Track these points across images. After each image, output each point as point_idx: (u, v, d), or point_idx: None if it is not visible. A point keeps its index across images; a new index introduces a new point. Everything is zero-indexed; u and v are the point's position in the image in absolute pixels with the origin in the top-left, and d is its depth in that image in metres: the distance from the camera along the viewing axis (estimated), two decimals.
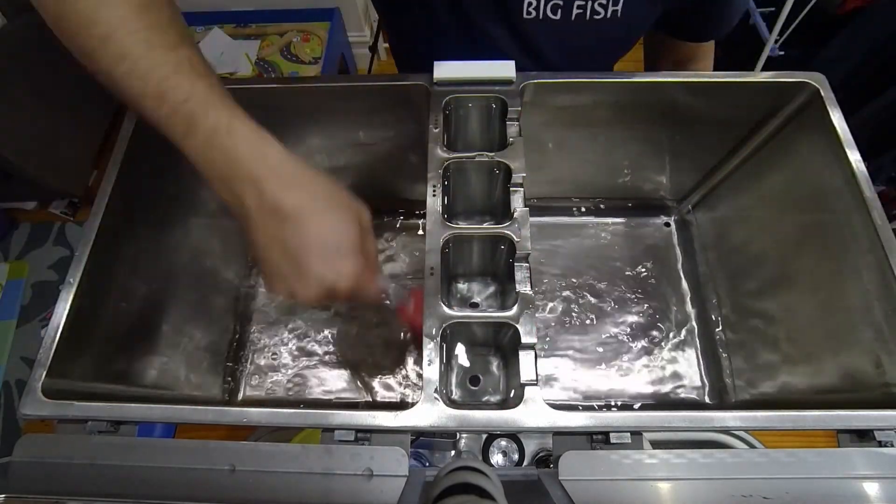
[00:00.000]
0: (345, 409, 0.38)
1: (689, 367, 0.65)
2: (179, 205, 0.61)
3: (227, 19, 1.49)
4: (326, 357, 0.68)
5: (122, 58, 0.29)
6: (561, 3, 0.49)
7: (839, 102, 0.50)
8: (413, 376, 0.66)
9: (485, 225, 0.49)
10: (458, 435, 0.61)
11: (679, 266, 0.72)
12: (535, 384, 0.39)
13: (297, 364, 0.68)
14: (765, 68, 1.26)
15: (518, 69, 0.53)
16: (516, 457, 0.59)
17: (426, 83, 0.54)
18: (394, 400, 0.65)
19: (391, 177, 0.71)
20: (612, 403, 0.63)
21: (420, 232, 0.76)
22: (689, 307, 0.69)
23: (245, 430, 0.65)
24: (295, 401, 0.66)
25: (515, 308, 0.43)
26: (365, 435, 0.38)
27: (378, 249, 0.74)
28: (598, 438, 0.38)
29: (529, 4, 0.49)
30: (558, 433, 0.38)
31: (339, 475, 0.35)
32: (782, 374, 0.55)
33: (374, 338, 0.69)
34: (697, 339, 0.67)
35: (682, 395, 0.64)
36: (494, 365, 0.62)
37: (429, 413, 0.38)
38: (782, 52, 1.23)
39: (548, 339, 0.67)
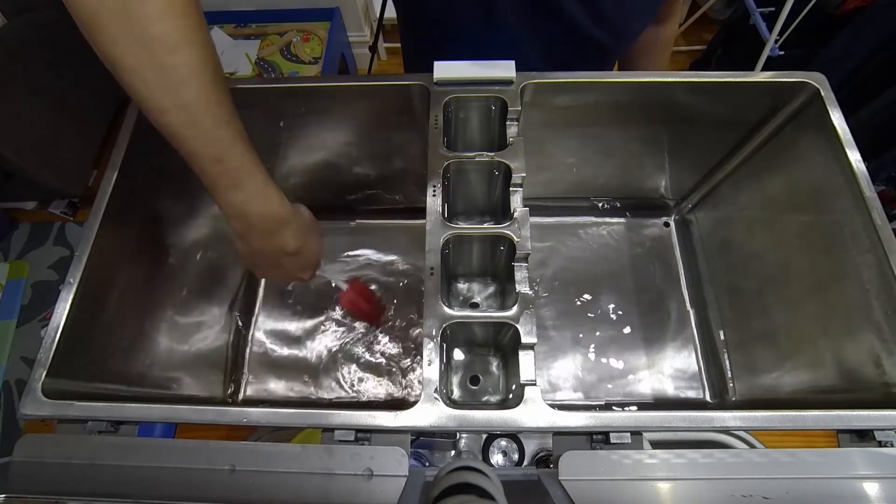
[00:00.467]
0: (345, 409, 0.38)
1: (689, 367, 0.65)
2: (179, 205, 0.61)
3: (227, 19, 1.49)
4: (327, 357, 0.68)
5: (192, 125, 0.36)
6: None
7: (839, 102, 0.50)
8: (413, 376, 0.67)
9: (485, 225, 0.49)
10: (458, 435, 0.61)
11: (679, 266, 0.72)
12: (535, 384, 0.39)
13: (297, 364, 0.68)
14: (765, 68, 1.25)
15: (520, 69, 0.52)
16: (516, 457, 0.59)
17: (426, 83, 0.54)
18: (394, 399, 0.65)
19: (391, 176, 0.71)
20: (612, 403, 0.63)
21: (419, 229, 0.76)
22: (689, 307, 0.69)
23: (245, 430, 0.65)
24: (295, 401, 0.66)
25: (515, 308, 0.43)
26: (365, 435, 0.38)
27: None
28: (598, 438, 0.38)
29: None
30: (558, 433, 0.38)
31: (339, 475, 0.35)
32: (782, 373, 0.55)
33: (375, 338, 0.69)
34: (697, 339, 0.67)
35: (682, 395, 0.64)
36: (494, 365, 0.62)
37: (429, 413, 0.38)
38: (782, 52, 1.23)
39: (548, 338, 0.67)
